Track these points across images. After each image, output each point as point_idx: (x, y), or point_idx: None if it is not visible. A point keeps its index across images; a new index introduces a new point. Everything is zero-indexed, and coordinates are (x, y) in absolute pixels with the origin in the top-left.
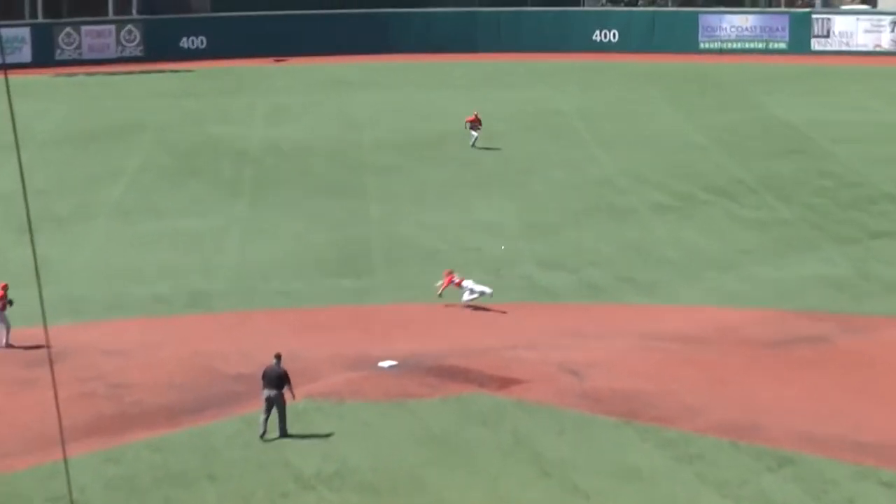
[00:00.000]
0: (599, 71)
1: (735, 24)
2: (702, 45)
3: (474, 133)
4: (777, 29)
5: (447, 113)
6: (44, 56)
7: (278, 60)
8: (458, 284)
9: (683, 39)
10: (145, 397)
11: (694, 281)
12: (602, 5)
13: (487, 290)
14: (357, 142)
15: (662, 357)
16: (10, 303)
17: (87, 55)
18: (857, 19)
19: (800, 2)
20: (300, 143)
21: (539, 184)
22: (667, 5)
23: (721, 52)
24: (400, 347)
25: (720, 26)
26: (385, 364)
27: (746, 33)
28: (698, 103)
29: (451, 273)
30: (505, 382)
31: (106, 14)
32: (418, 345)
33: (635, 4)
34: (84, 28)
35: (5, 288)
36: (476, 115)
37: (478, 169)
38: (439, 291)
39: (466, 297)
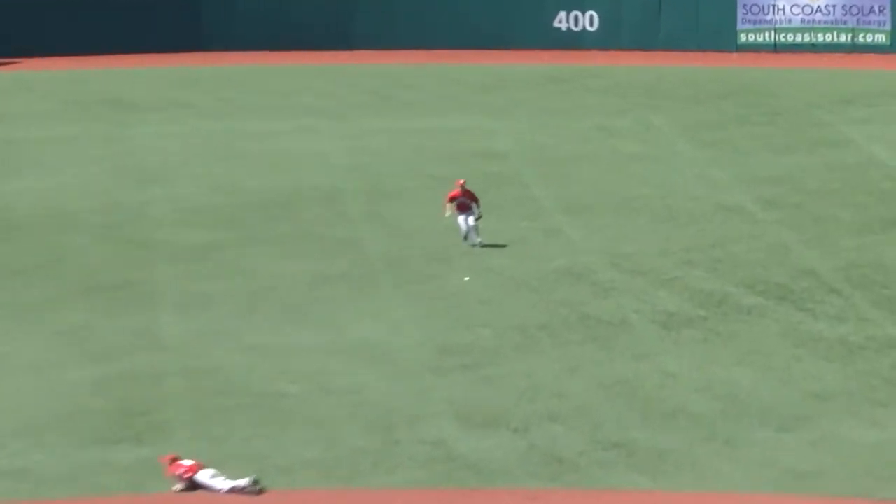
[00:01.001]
0: (567, 82)
1: (799, 2)
2: (742, 38)
3: (465, 223)
4: (870, 10)
5: (302, 156)
6: None
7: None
8: (188, 476)
9: (711, 28)
10: None
11: (732, 448)
12: None
13: (242, 482)
14: (142, 207)
15: None
16: None
17: None
18: None
19: None
20: (42, 210)
21: (461, 278)
22: None
23: (776, 48)
24: None
25: (773, 6)
26: None
27: (819, 17)
28: (738, 137)
29: (174, 461)
30: None
31: None
32: None
33: None
34: None
35: None
36: (462, 186)
37: (356, 254)
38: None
39: (219, 484)
